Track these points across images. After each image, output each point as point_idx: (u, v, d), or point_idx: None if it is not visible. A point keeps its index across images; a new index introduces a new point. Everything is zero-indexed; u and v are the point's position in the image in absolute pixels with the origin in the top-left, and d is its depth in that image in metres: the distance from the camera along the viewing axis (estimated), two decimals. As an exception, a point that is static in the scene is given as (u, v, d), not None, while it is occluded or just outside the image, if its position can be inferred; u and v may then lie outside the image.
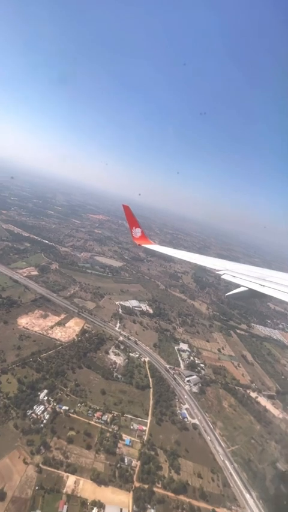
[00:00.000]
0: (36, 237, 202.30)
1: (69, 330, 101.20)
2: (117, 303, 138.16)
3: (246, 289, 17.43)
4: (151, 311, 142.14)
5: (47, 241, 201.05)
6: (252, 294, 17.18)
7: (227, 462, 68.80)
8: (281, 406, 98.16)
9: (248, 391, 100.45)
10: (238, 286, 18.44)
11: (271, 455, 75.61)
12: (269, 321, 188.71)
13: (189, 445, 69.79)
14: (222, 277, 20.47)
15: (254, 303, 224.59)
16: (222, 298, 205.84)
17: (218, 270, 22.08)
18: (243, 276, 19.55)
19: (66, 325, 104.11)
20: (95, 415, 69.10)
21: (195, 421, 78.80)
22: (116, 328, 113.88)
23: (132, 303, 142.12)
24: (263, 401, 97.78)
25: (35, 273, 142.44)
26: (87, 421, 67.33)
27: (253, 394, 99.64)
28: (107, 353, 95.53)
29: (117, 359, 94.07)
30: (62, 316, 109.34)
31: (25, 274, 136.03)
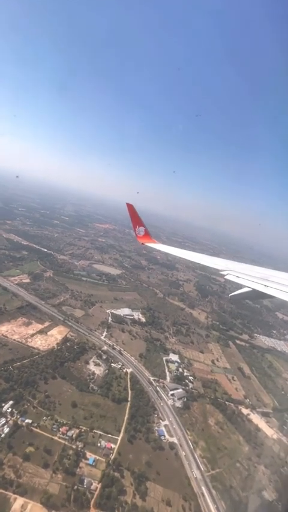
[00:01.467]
0: (35, 246, 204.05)
1: (50, 339, 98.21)
2: (107, 311, 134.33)
3: (250, 289, 17.14)
4: (144, 320, 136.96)
5: (45, 250, 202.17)
6: (256, 294, 16.97)
7: (203, 488, 61.74)
8: (277, 425, 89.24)
9: (239, 408, 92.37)
10: (242, 287, 18.39)
11: (258, 482, 67.56)
12: (274, 332, 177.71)
13: (162, 467, 63.49)
14: (225, 277, 20.33)
15: (260, 312, 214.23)
16: (225, 307, 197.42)
17: (221, 270, 21.89)
18: (247, 276, 19.25)
19: (49, 333, 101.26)
20: (60, 429, 64.57)
21: (174, 439, 72.27)
22: (102, 337, 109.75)
23: (124, 311, 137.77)
24: (256, 419, 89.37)
25: (27, 280, 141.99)
26: (50, 436, 62.94)
27: (245, 411, 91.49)
28: (87, 363, 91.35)
29: (96, 369, 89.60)
30: (46, 324, 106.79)
31: (16, 282, 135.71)
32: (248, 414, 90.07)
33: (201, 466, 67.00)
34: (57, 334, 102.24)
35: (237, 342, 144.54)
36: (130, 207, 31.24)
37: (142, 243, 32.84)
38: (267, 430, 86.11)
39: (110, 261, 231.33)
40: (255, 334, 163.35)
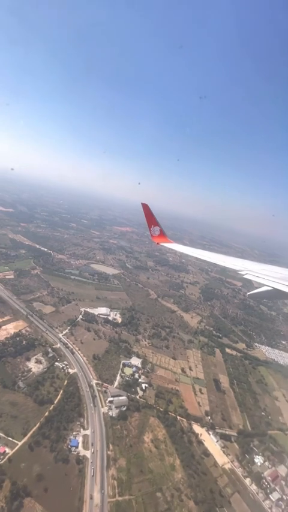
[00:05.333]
0: (36, 245, 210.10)
1: (1, 333, 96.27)
2: (82, 309, 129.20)
3: (270, 288, 17.38)
4: (120, 320, 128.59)
5: (45, 249, 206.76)
6: (277, 294, 17.16)
7: (96, 517, 51.39)
8: (236, 452, 73.09)
9: (192, 425, 78.10)
10: (260, 287, 18.77)
11: (176, 520, 54.40)
12: (284, 342, 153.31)
13: (55, 483, 54.74)
14: (244, 276, 20.47)
15: (273, 320, 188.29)
16: (228, 312, 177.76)
17: (239, 271, 21.88)
18: (267, 276, 19.51)
19: (3, 327, 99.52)
20: None
21: (87, 453, 62.85)
22: (60, 335, 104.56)
23: (100, 310, 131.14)
24: (210, 441, 74.52)
25: (11, 276, 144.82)
26: None
27: (199, 430, 77.02)
28: (28, 359, 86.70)
29: (35, 367, 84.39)
30: (6, 318, 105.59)
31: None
32: (201, 434, 75.49)
33: (106, 489, 56.48)
34: (12, 328, 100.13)
35: (228, 350, 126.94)
36: (145, 206, 31.51)
37: (157, 243, 33.03)
38: (220, 456, 70.85)
39: (113, 261, 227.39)
40: (256, 344, 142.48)
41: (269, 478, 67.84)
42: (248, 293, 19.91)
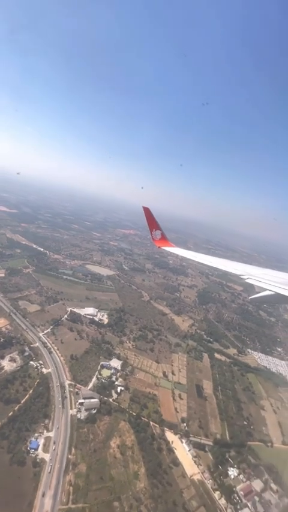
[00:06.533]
0: (33, 245, 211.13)
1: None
2: (68, 309, 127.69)
3: (272, 293, 17.47)
4: (106, 321, 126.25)
5: (42, 249, 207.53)
6: (278, 298, 17.24)
7: (43, 524, 48.71)
8: (209, 463, 68.91)
9: (166, 432, 74.43)
10: (261, 291, 18.82)
11: (130, 533, 51.04)
12: (279, 349, 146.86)
13: (6, 487, 52.41)
14: (246, 281, 20.52)
15: (270, 326, 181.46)
16: (224, 317, 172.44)
17: (241, 275, 22.02)
18: (268, 281, 19.61)
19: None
20: None
21: (46, 456, 60.38)
22: (40, 334, 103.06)
23: (87, 311, 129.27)
24: (181, 450, 70.63)
25: (1, 275, 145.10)
26: None
27: (171, 437, 73.26)
28: (2, 357, 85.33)
29: (8, 365, 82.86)
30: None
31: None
32: (172, 442, 71.75)
33: (60, 495, 53.72)
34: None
35: (217, 355, 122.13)
36: (146, 210, 31.36)
37: (159, 247, 33.12)
38: (190, 466, 66.90)
39: (110, 262, 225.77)
40: (249, 350, 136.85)
41: (242, 492, 63.33)
42: (249, 297, 20.62)
